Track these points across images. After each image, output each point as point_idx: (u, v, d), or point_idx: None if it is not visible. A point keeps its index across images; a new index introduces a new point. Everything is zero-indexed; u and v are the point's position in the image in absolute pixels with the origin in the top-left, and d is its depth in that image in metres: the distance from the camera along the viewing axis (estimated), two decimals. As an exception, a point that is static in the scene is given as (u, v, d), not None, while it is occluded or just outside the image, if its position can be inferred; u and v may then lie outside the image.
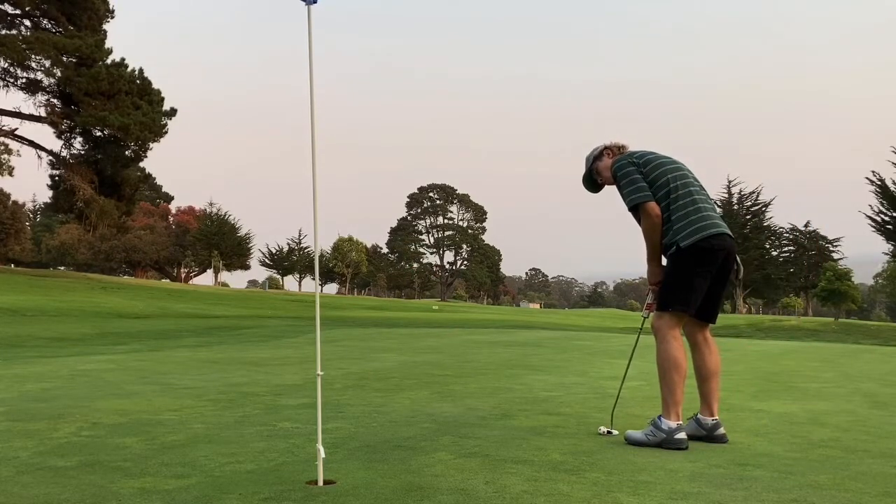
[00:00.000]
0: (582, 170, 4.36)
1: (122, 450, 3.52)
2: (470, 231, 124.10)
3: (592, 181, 4.31)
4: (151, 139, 37.76)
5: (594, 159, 4.27)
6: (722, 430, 3.93)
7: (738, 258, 4.01)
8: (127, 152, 38.93)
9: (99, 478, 2.98)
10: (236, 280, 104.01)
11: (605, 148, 4.24)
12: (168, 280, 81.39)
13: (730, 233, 3.97)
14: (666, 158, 4.07)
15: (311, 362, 7.88)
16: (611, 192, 4.23)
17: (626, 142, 4.26)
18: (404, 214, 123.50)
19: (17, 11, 35.25)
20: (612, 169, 4.09)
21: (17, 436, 3.83)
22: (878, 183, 52.37)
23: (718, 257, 3.87)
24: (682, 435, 3.72)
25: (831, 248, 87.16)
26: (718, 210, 4.13)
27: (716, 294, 3.97)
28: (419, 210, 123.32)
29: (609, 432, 4.07)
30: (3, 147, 45.47)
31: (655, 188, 3.93)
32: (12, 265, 63.98)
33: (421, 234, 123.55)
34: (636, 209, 3.96)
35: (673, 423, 3.72)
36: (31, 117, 37.13)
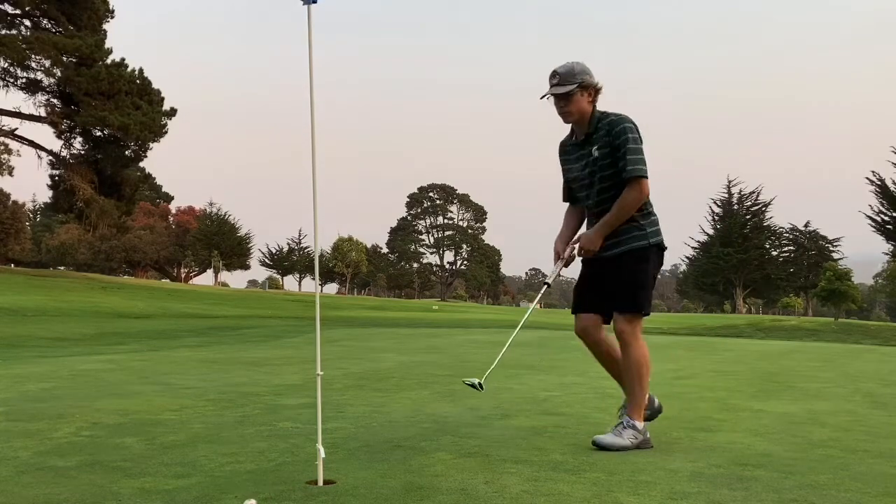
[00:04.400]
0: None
1: (122, 450, 3.52)
2: (470, 231, 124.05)
3: (559, 96, 3.73)
4: (151, 139, 37.82)
5: (578, 86, 3.69)
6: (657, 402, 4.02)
7: None
8: (127, 152, 38.98)
9: (99, 478, 2.98)
10: (236, 280, 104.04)
11: (594, 87, 3.76)
12: (168, 280, 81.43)
13: None
14: None
15: (311, 362, 7.87)
16: None
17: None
18: (404, 214, 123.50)
19: (17, 11, 35.28)
20: (631, 125, 3.76)
21: (17, 436, 3.82)
22: (878, 183, 52.56)
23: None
24: (647, 434, 3.78)
25: (831, 248, 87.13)
26: None
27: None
28: (419, 210, 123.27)
29: (477, 385, 3.78)
30: (3, 147, 45.57)
31: None
32: (12, 265, 63.94)
33: (421, 234, 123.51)
34: (618, 177, 3.72)
35: (641, 424, 3.77)
36: (31, 117, 37.17)
